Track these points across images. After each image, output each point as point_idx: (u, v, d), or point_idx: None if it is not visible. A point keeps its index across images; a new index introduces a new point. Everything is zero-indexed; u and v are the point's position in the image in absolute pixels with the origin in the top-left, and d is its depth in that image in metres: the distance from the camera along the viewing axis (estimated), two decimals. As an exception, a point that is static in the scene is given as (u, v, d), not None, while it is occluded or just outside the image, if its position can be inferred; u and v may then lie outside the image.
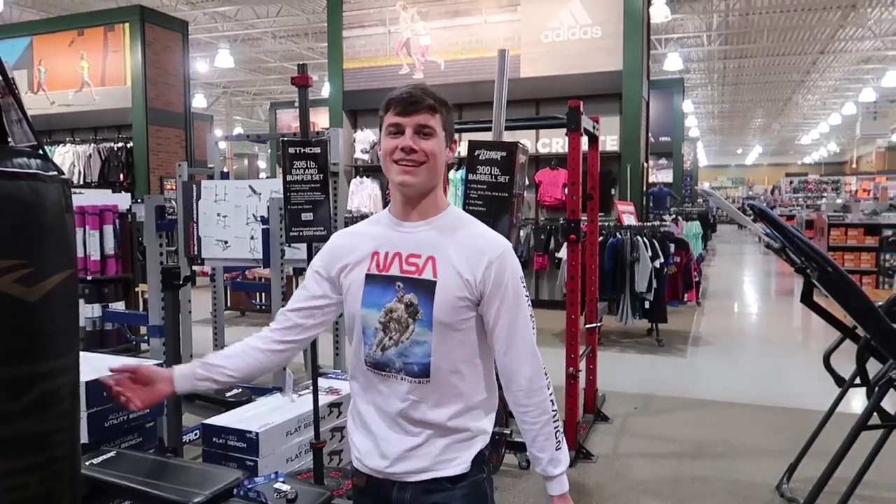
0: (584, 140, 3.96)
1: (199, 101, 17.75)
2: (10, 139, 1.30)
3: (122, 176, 10.06)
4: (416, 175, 1.46)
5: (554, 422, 1.52)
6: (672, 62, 13.27)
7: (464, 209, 3.90)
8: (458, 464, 1.50)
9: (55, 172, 1.25)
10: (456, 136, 1.59)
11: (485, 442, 1.54)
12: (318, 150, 2.75)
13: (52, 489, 1.22)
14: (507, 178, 3.00)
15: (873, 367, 2.87)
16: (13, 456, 1.16)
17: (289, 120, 16.43)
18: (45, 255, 1.20)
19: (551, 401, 1.52)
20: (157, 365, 3.39)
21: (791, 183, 25.34)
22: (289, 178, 2.72)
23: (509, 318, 1.49)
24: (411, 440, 1.50)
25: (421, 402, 1.49)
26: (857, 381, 3.07)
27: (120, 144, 10.15)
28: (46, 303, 1.19)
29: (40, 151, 1.26)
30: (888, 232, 9.58)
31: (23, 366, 1.17)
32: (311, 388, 2.84)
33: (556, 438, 1.52)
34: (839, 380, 3.37)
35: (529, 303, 1.53)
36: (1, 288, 1.13)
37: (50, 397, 1.21)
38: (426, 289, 1.46)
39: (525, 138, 7.60)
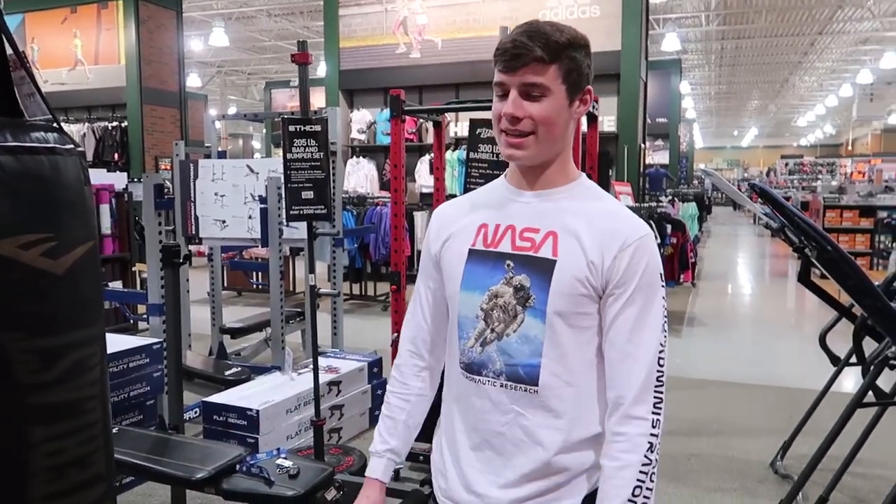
0: (584, 120, 3.95)
1: (193, 81, 17.60)
2: (24, 113, 1.30)
3: (116, 155, 10.00)
4: (524, 148, 1.18)
5: (641, 472, 1.14)
6: (670, 42, 13.20)
7: (465, 189, 3.89)
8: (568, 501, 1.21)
9: (72, 146, 1.26)
10: (590, 84, 1.21)
11: (596, 480, 1.21)
12: (318, 127, 2.74)
13: (88, 453, 1.27)
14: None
15: (868, 346, 2.89)
16: (51, 423, 1.20)
17: (284, 99, 16.32)
18: (67, 227, 1.22)
19: (650, 444, 1.14)
20: (158, 344, 3.41)
21: (787, 165, 25.38)
22: (289, 156, 2.71)
23: (635, 316, 1.16)
24: (506, 474, 1.21)
25: (523, 420, 1.19)
26: (853, 360, 3.10)
27: (114, 124, 10.08)
28: (73, 274, 1.22)
29: (55, 125, 1.27)
30: (883, 214, 9.61)
31: (55, 336, 1.21)
32: (312, 366, 2.86)
33: (633, 495, 1.13)
34: (834, 359, 3.41)
35: (665, 310, 1.19)
36: (28, 262, 1.15)
37: (81, 365, 1.24)
38: (543, 269, 1.17)
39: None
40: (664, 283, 1.20)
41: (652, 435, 1.15)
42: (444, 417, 1.33)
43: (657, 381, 1.17)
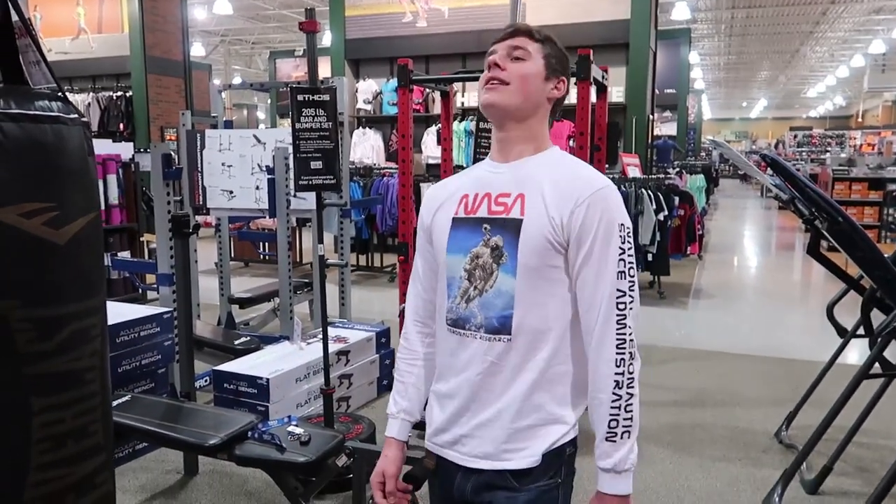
0: (593, 91, 3.91)
1: (197, 50, 17.42)
2: (29, 81, 1.29)
3: (121, 126, 9.96)
4: (498, 93, 1.33)
5: (612, 406, 1.25)
6: (679, 11, 12.97)
7: (473, 159, 3.86)
8: (527, 455, 1.31)
9: (76, 115, 1.25)
10: (563, 78, 1.39)
11: (563, 434, 1.33)
12: (327, 97, 2.72)
13: (86, 424, 1.26)
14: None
15: (876, 319, 2.90)
16: (50, 392, 1.20)
17: (288, 70, 16.15)
18: (70, 197, 1.21)
19: (616, 382, 1.25)
20: (168, 313, 3.43)
21: (795, 137, 25.12)
22: (297, 126, 2.70)
23: (593, 270, 1.26)
24: (481, 415, 1.33)
25: (499, 366, 1.31)
26: (860, 331, 3.11)
27: (119, 93, 10.02)
28: (74, 245, 1.21)
29: (60, 94, 1.25)
30: (892, 186, 9.55)
31: (55, 306, 1.20)
32: (321, 335, 2.88)
33: (609, 427, 1.26)
34: (841, 331, 3.41)
35: (627, 258, 1.28)
36: (30, 230, 1.15)
37: (81, 336, 1.24)
38: (512, 229, 1.29)
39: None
40: (625, 232, 1.28)
41: (617, 374, 1.25)
42: (437, 373, 1.45)
43: (618, 323, 1.26)
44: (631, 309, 1.27)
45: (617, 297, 1.26)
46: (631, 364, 1.27)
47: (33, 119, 1.17)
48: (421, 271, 1.49)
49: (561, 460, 1.33)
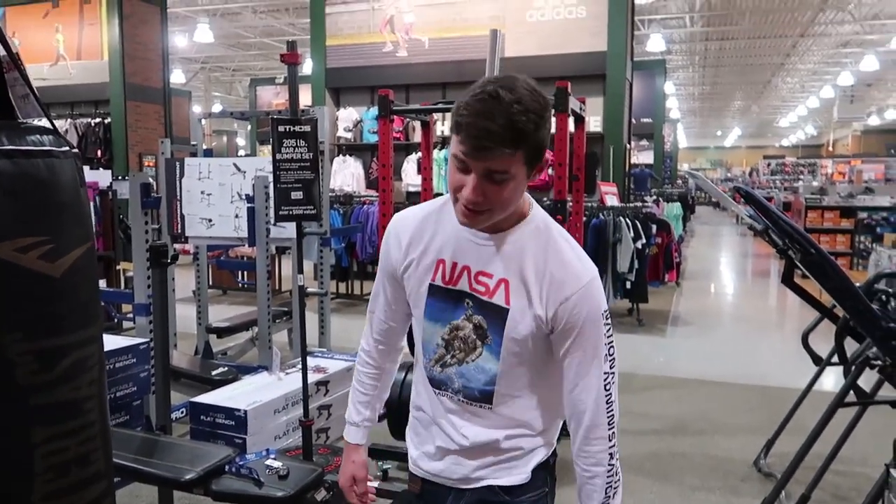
0: (571, 121, 3.98)
1: (177, 77, 17.45)
2: (19, 115, 1.30)
3: (99, 152, 9.89)
4: (480, 222, 1.23)
5: (607, 478, 1.31)
6: (655, 43, 13.29)
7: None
8: (517, 473, 1.36)
9: (67, 148, 1.26)
10: (547, 146, 1.24)
11: (548, 452, 1.40)
12: (308, 128, 2.73)
13: (89, 451, 1.29)
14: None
15: (850, 347, 2.94)
16: (52, 423, 1.22)
17: (269, 97, 16.21)
18: (64, 230, 1.23)
19: (610, 454, 1.31)
20: (144, 344, 3.38)
21: (769, 165, 25.61)
22: (278, 156, 2.70)
23: (581, 354, 1.28)
24: (468, 450, 1.37)
25: (480, 419, 1.36)
26: (834, 359, 3.15)
27: (97, 120, 9.96)
28: (70, 276, 1.23)
29: (51, 127, 1.27)
30: (863, 214, 9.75)
31: (54, 338, 1.22)
32: (301, 366, 2.86)
33: (606, 494, 1.32)
34: (816, 359, 3.46)
35: (610, 343, 1.30)
36: (26, 265, 1.16)
37: (80, 366, 1.26)
38: (497, 315, 1.28)
39: (509, 118, 7.58)
40: (606, 318, 1.30)
41: (610, 447, 1.32)
42: (414, 403, 1.48)
43: (607, 403, 1.30)
44: (614, 383, 1.32)
45: (604, 381, 1.30)
46: (616, 435, 1.33)
47: (25, 154, 1.18)
48: (383, 302, 1.48)
49: (547, 471, 1.40)
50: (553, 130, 4.16)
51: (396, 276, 1.41)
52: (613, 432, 1.32)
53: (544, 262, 1.27)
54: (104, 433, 1.34)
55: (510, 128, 1.11)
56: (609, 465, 1.32)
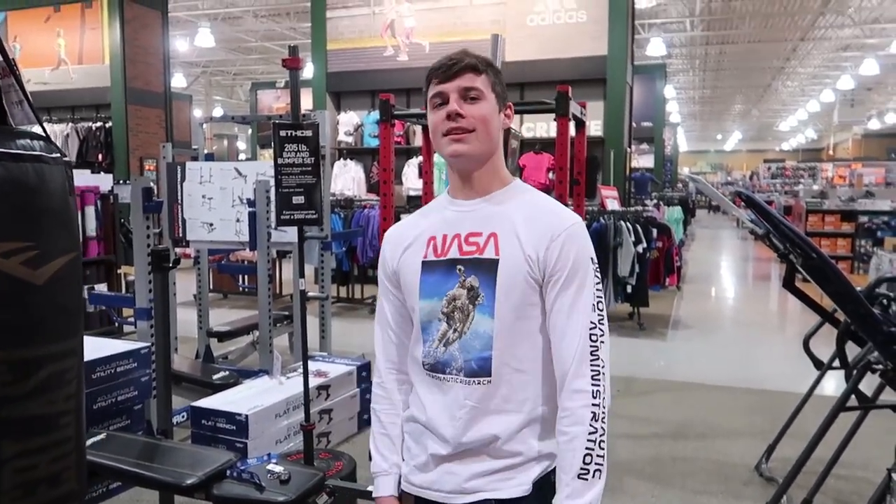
0: (571, 126, 3.98)
1: (178, 81, 17.46)
2: (11, 121, 1.29)
3: (100, 156, 9.90)
4: (468, 142, 1.29)
5: (588, 440, 1.22)
6: (655, 47, 13.30)
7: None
8: (517, 485, 1.29)
9: (58, 154, 1.24)
10: (509, 102, 1.38)
11: (549, 465, 1.32)
12: (309, 133, 2.74)
13: (60, 470, 1.23)
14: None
15: (851, 351, 2.94)
16: (22, 438, 1.17)
17: (270, 101, 16.22)
18: (50, 237, 1.20)
19: (593, 414, 1.23)
20: (146, 348, 3.39)
21: (769, 169, 25.62)
22: (280, 161, 2.71)
23: (570, 300, 1.26)
24: (466, 458, 1.30)
25: (479, 410, 1.29)
26: (836, 363, 3.15)
27: (98, 124, 9.97)
28: (53, 285, 1.20)
29: (43, 133, 1.26)
30: (864, 218, 9.75)
31: (30, 348, 1.18)
32: (302, 370, 2.86)
33: (584, 463, 1.22)
34: (818, 363, 3.46)
35: (598, 292, 1.29)
36: (8, 270, 1.13)
37: (57, 379, 1.22)
38: (488, 269, 1.28)
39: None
40: (595, 266, 1.30)
41: (594, 405, 1.24)
42: (409, 414, 1.41)
43: (591, 354, 1.26)
44: (603, 342, 1.27)
45: (590, 329, 1.26)
46: (604, 398, 1.25)
47: (15, 158, 1.17)
48: (389, 316, 1.44)
49: (549, 484, 1.31)
50: (550, 134, 4.15)
51: (395, 277, 1.40)
52: (599, 390, 1.25)
53: (531, 211, 1.31)
54: (79, 451, 1.28)
55: (472, 56, 1.32)
56: (591, 425, 1.23)
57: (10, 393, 1.16)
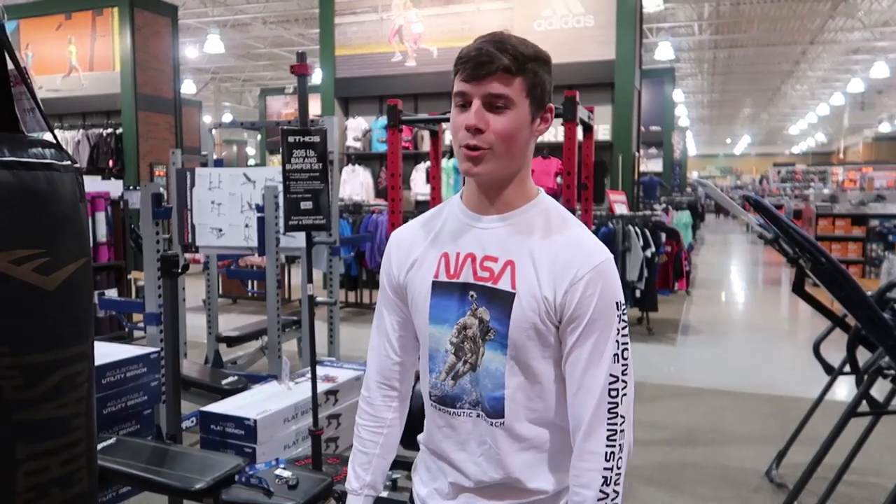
0: (579, 130, 3.98)
1: (187, 87, 17.60)
2: (23, 128, 1.31)
3: (111, 162, 9.98)
4: (483, 163, 1.13)
5: None
6: (663, 51, 13.28)
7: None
8: None
9: (69, 162, 1.26)
10: (550, 102, 1.19)
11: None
12: (317, 138, 2.75)
13: (72, 472, 1.25)
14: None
15: (862, 356, 2.92)
16: (34, 441, 1.19)
17: (278, 107, 16.33)
18: (60, 244, 1.22)
19: (605, 479, 1.13)
20: (155, 353, 3.40)
21: (779, 173, 25.50)
22: (288, 166, 2.72)
23: (590, 349, 1.13)
24: (487, 494, 1.22)
25: (496, 450, 1.19)
26: (846, 369, 3.13)
27: (109, 130, 10.05)
28: (63, 291, 1.21)
29: (54, 141, 1.27)
30: (875, 222, 9.69)
31: (42, 353, 1.19)
32: (310, 375, 2.86)
33: None
34: (828, 368, 3.43)
35: (623, 339, 1.15)
36: (20, 277, 1.15)
37: (68, 383, 1.23)
38: (502, 302, 1.15)
39: (518, 127, 7.60)
40: (622, 311, 1.16)
41: (606, 469, 1.13)
42: (422, 443, 1.32)
43: (609, 412, 1.13)
44: (625, 395, 1.14)
45: (610, 384, 1.13)
46: (621, 458, 1.14)
47: (26, 166, 1.18)
48: (389, 328, 1.32)
49: None
50: (557, 138, 4.15)
51: (400, 289, 1.28)
52: (613, 451, 1.13)
53: (554, 241, 1.16)
54: (90, 453, 1.29)
55: (509, 52, 1.11)
56: (601, 491, 1.12)
57: (22, 397, 1.17)
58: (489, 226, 1.19)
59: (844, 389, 4.41)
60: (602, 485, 1.13)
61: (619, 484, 1.14)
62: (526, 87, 1.13)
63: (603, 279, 1.13)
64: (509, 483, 1.20)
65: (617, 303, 1.15)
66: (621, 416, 1.14)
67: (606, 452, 1.13)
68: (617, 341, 1.14)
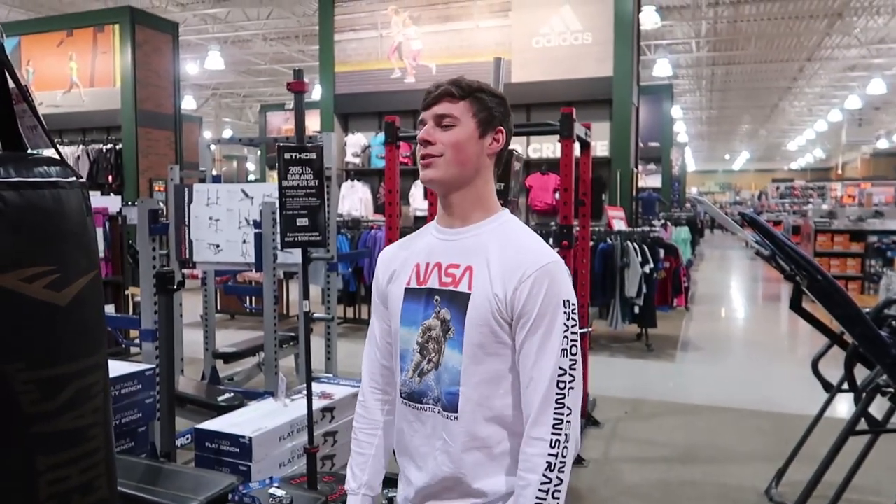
0: (577, 146, 4.00)
1: (188, 103, 17.68)
2: (27, 146, 1.32)
3: (110, 178, 10.00)
4: (435, 167, 1.29)
5: (540, 490, 1.19)
6: (661, 68, 13.37)
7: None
8: None
9: (74, 178, 1.28)
10: (502, 127, 1.35)
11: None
12: (313, 155, 2.76)
13: (92, 479, 1.29)
14: (503, 184, 3.04)
15: (860, 373, 2.91)
16: (55, 451, 1.22)
17: (279, 122, 16.39)
18: (70, 259, 1.24)
19: (549, 464, 1.20)
20: (150, 370, 3.39)
21: (778, 189, 25.57)
22: (284, 183, 2.72)
23: (538, 343, 1.23)
24: (441, 495, 1.31)
25: (449, 445, 1.28)
26: (845, 386, 3.12)
27: (109, 146, 10.09)
28: (76, 305, 1.24)
29: (58, 157, 1.29)
30: (873, 238, 9.69)
31: (59, 366, 1.22)
32: (305, 392, 2.85)
33: None
34: (827, 385, 3.42)
35: (572, 335, 1.24)
36: (32, 294, 1.17)
37: (84, 394, 1.26)
38: (460, 303, 1.27)
39: (516, 143, 7.63)
40: (570, 309, 1.25)
41: (550, 455, 1.20)
42: (398, 445, 1.42)
43: (556, 402, 1.21)
44: (572, 388, 1.22)
45: (558, 376, 1.22)
46: (566, 447, 1.21)
47: (33, 185, 1.20)
48: (378, 335, 1.45)
49: None
50: (556, 155, 4.15)
51: (384, 299, 1.42)
52: (559, 439, 1.20)
53: (506, 247, 1.28)
54: (108, 461, 1.33)
55: (456, 84, 1.32)
56: (545, 475, 1.19)
57: (40, 410, 1.20)
58: (454, 237, 1.33)
59: (845, 406, 4.39)
60: (546, 469, 1.20)
61: (563, 472, 1.20)
62: (471, 109, 1.31)
63: (549, 278, 1.24)
64: (457, 479, 1.28)
65: (564, 301, 1.24)
66: (568, 408, 1.22)
67: (552, 440, 1.20)
68: (565, 336, 1.23)
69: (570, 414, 1.22)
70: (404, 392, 1.34)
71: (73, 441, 1.25)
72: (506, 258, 1.26)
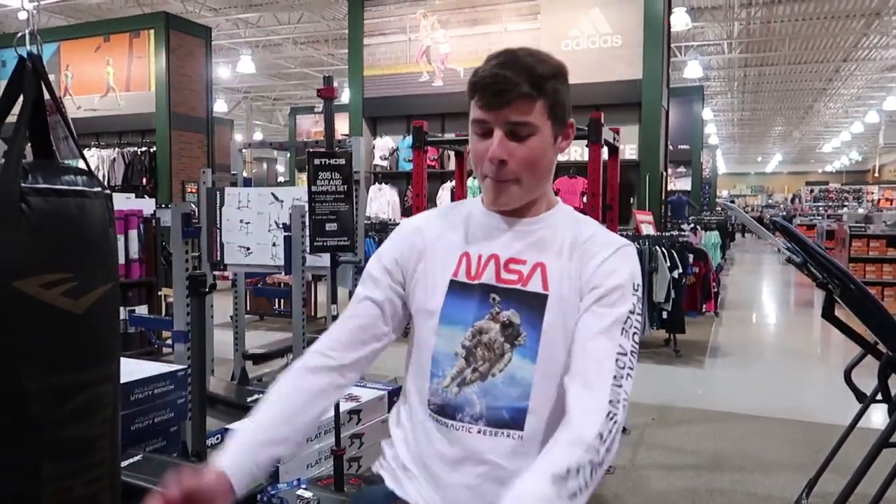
0: (605, 150, 3.98)
1: (219, 106, 17.95)
2: (57, 154, 1.36)
3: (144, 180, 10.21)
4: (508, 195, 1.12)
5: (587, 452, 0.96)
6: (692, 70, 13.22)
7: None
8: None
9: (99, 189, 1.30)
10: (570, 116, 1.16)
11: None
12: (342, 160, 2.79)
13: (96, 492, 1.28)
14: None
15: (895, 384, 2.85)
16: (59, 460, 1.21)
17: (308, 125, 16.55)
18: (89, 268, 1.25)
19: (600, 435, 0.98)
20: (182, 370, 3.45)
21: (811, 192, 25.10)
22: (313, 188, 2.76)
23: (602, 313, 1.07)
24: None
25: (504, 469, 1.07)
26: (879, 396, 3.05)
27: (143, 149, 10.30)
28: (91, 314, 1.25)
29: (85, 168, 1.32)
30: (911, 244, 9.46)
31: (70, 374, 1.23)
32: (333, 395, 2.88)
33: (567, 471, 0.93)
34: (860, 395, 3.35)
35: (636, 324, 1.08)
36: (49, 301, 1.18)
37: (94, 404, 1.26)
38: (534, 305, 1.10)
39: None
40: (638, 292, 1.11)
41: (603, 426, 1.00)
42: (402, 462, 1.20)
43: (615, 378, 1.03)
44: (630, 374, 1.04)
45: (618, 353, 1.04)
46: (616, 430, 1.00)
47: (58, 193, 1.22)
48: (363, 311, 1.20)
49: None
50: (583, 158, 4.13)
51: (402, 280, 1.19)
52: (615, 414, 1.00)
53: (578, 237, 1.14)
54: (113, 473, 1.32)
55: (527, 73, 1.07)
56: (593, 444, 0.97)
57: (49, 417, 1.20)
58: (514, 229, 1.16)
59: (880, 416, 4.29)
60: (597, 438, 0.97)
61: (609, 452, 0.99)
62: (547, 109, 1.10)
63: (623, 258, 1.12)
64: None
65: (634, 283, 1.11)
66: (625, 391, 1.03)
67: (609, 412, 1.00)
68: (629, 318, 1.08)
69: (625, 398, 1.03)
70: (434, 403, 1.13)
71: (81, 450, 1.24)
72: (581, 246, 1.13)
